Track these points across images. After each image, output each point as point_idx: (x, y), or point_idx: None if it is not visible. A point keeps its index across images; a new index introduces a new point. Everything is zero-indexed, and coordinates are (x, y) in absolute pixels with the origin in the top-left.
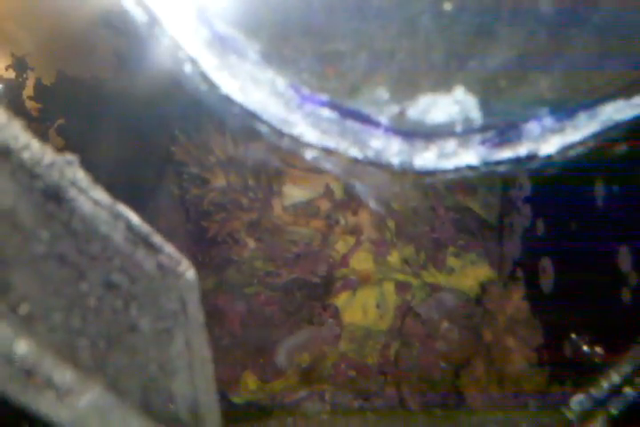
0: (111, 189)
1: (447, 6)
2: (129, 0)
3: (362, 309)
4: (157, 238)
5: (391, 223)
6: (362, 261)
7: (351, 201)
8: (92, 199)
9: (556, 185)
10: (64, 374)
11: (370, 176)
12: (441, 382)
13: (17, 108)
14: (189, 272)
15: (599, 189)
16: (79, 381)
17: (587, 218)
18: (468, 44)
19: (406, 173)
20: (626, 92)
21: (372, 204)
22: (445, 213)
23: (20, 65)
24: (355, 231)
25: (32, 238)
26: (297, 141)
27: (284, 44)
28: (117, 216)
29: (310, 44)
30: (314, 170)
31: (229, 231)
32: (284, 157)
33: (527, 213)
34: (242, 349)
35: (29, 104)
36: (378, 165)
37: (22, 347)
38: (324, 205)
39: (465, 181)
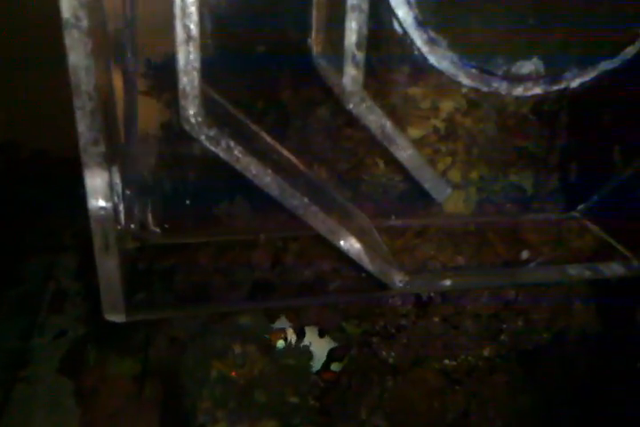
0: None
1: (531, 21)
2: None
3: (454, 202)
4: None
5: (475, 151)
6: (454, 176)
7: (450, 136)
8: None
9: (576, 114)
10: None
11: (492, 98)
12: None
13: None
14: None
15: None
16: None
17: (594, 131)
18: (538, 38)
19: (508, 97)
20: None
21: (490, 112)
22: (511, 145)
23: None
24: (451, 155)
25: None
26: (459, 83)
27: (463, 44)
28: None
29: (471, 47)
30: (425, 116)
31: None
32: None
33: (564, 136)
34: None
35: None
36: (495, 93)
37: None
38: (432, 139)
39: (524, 130)
